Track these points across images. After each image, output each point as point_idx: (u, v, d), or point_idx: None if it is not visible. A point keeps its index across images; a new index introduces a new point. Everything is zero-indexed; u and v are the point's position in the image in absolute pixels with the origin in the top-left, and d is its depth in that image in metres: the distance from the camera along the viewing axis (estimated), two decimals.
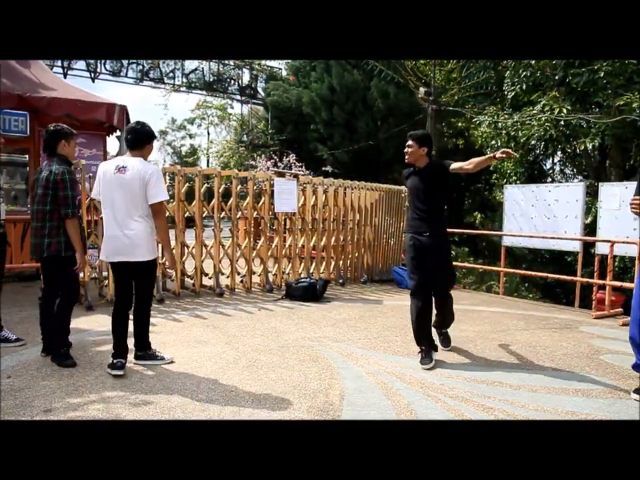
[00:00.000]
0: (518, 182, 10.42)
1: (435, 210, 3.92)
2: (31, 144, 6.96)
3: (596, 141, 8.37)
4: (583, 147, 8.81)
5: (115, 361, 3.44)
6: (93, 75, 16.45)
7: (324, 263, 7.43)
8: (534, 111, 9.02)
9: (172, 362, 3.71)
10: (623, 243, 6.02)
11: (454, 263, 10.30)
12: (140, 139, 3.48)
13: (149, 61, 17.74)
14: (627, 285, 6.24)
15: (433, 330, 4.03)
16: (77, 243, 3.60)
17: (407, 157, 4.01)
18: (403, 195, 8.19)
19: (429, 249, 3.83)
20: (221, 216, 6.45)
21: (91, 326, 4.71)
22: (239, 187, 6.77)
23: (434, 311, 4.00)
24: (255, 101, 21.12)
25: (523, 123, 9.19)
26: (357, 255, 7.82)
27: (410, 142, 3.96)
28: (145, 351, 3.70)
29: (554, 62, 8.92)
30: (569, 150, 10.84)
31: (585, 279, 7.01)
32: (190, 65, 19.61)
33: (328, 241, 7.36)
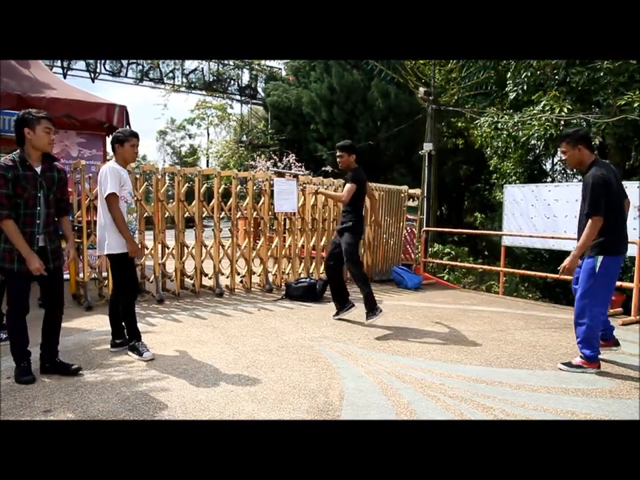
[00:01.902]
0: (518, 182, 10.42)
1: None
2: None
3: (597, 140, 8.37)
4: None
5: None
6: (92, 75, 16.49)
7: (323, 263, 7.43)
8: (534, 111, 9.03)
9: (151, 359, 3.74)
10: None
11: (453, 263, 10.38)
12: (111, 145, 3.92)
13: (149, 61, 17.76)
14: (626, 284, 6.24)
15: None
16: (20, 247, 3.08)
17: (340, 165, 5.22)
18: (402, 195, 8.19)
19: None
20: (221, 216, 6.45)
21: (91, 326, 4.71)
22: (239, 187, 6.78)
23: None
24: (254, 101, 21.15)
25: (523, 122, 9.19)
26: None
27: (339, 152, 5.12)
28: (130, 341, 3.89)
29: (554, 62, 8.93)
30: None
31: None
32: (190, 65, 19.71)
33: (328, 241, 7.36)
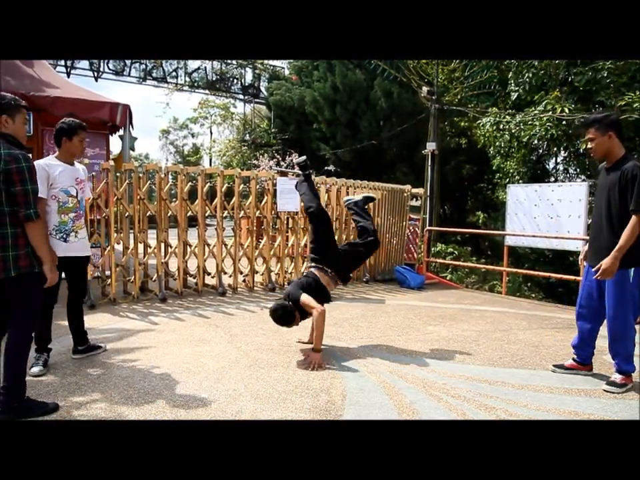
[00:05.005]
0: (521, 181, 10.40)
1: None
2: (34, 143, 6.97)
3: None
4: (585, 146, 8.81)
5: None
6: (96, 74, 16.51)
7: None
8: (536, 111, 9.01)
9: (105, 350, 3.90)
10: None
11: (456, 262, 10.36)
12: (55, 137, 3.56)
13: (152, 61, 17.78)
14: None
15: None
16: (46, 253, 2.70)
17: None
18: (405, 194, 8.18)
19: None
20: (224, 215, 6.46)
21: (94, 324, 4.71)
22: (242, 186, 6.78)
23: None
24: (257, 100, 21.16)
25: (525, 122, 9.17)
26: None
27: None
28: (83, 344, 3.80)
29: (556, 62, 8.91)
30: (571, 149, 10.82)
31: None
32: (193, 64, 19.71)
33: None
